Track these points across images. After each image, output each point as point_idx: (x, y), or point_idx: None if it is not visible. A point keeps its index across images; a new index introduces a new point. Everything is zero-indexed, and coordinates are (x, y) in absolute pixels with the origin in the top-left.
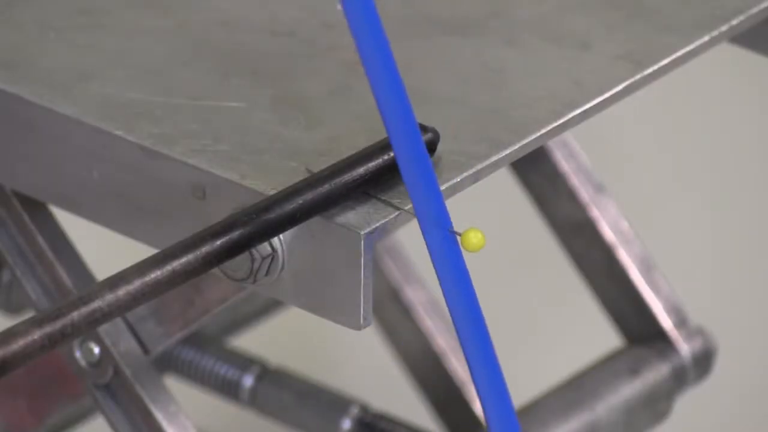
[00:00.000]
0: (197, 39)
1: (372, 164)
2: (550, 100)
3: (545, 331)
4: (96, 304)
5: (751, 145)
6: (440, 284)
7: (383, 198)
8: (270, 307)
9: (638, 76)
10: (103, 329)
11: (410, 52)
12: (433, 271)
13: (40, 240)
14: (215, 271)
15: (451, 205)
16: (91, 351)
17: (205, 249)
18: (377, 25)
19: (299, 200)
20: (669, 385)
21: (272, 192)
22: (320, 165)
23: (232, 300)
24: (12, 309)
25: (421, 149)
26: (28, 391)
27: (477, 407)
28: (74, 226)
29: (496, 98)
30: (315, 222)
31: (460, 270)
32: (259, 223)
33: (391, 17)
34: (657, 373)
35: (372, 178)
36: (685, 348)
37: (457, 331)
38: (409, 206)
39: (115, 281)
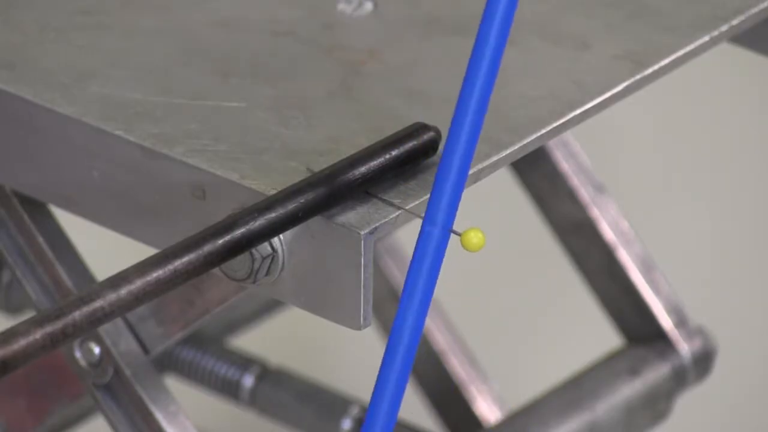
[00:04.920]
0: (197, 39)
1: (372, 164)
2: (550, 100)
3: (545, 331)
4: (97, 304)
5: (751, 145)
6: (408, 274)
7: (383, 198)
8: (270, 307)
9: (638, 76)
10: (103, 329)
11: (411, 52)
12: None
13: (40, 240)
14: (216, 271)
15: None
16: (91, 351)
17: (206, 249)
18: (507, 27)
19: (299, 200)
20: (669, 385)
21: (272, 192)
22: (320, 165)
23: (232, 300)
24: (12, 309)
25: (472, 148)
26: (28, 391)
27: (477, 407)
28: (74, 226)
29: (496, 98)
30: (315, 222)
31: (434, 271)
32: (259, 223)
33: (393, 17)
34: (657, 373)
35: (372, 178)
36: (685, 348)
37: (395, 326)
38: (409, 206)
39: (117, 281)
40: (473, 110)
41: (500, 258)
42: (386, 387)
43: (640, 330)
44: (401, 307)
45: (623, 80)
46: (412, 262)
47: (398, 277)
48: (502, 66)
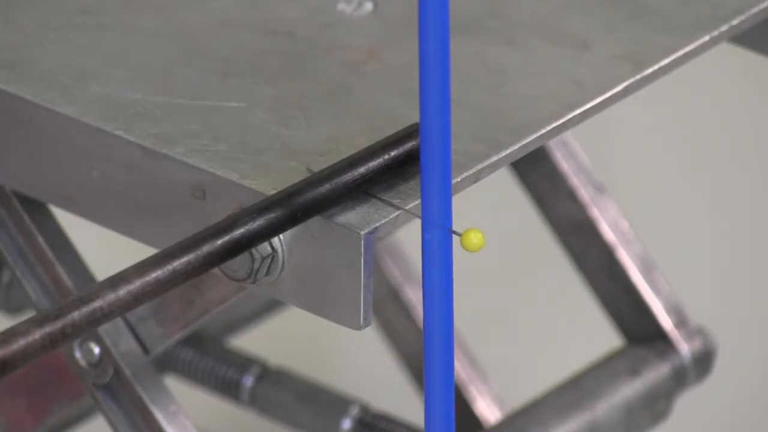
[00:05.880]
0: (197, 39)
1: (372, 164)
2: (550, 100)
3: (545, 331)
4: (97, 304)
5: (751, 145)
6: (423, 281)
7: (383, 198)
8: (270, 307)
9: (638, 76)
10: (103, 329)
11: (411, 52)
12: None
13: (40, 240)
14: (215, 271)
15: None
16: (91, 351)
17: (206, 249)
18: (446, 26)
19: (299, 200)
20: (669, 385)
21: (272, 192)
22: (320, 165)
23: (232, 300)
24: (12, 309)
25: (448, 144)
26: (28, 391)
27: (477, 407)
28: (74, 226)
29: (496, 98)
30: (315, 222)
31: (447, 272)
32: (259, 223)
33: (393, 17)
34: (657, 373)
35: (372, 178)
36: (685, 348)
37: (426, 329)
38: (409, 206)
39: (116, 281)
40: (437, 105)
41: (500, 258)
42: (435, 396)
43: (640, 330)
44: (427, 322)
45: (623, 80)
46: (423, 272)
47: (398, 277)
48: (502, 66)
